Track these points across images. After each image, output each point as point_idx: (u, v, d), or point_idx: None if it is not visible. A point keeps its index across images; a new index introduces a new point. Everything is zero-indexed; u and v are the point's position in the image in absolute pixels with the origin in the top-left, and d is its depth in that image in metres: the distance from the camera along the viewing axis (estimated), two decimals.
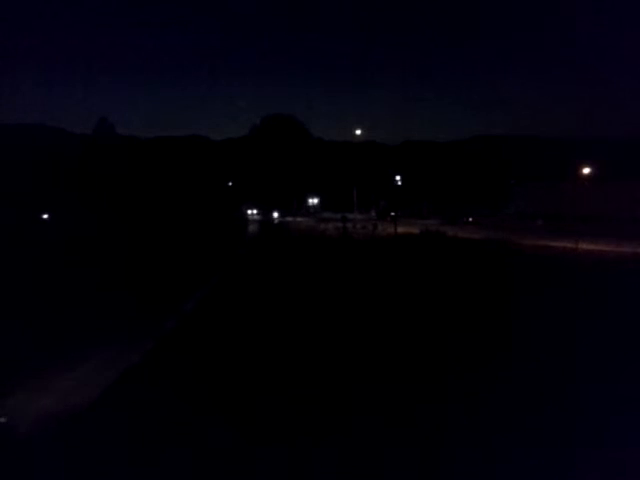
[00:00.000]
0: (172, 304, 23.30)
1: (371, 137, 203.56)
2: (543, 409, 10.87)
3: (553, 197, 75.29)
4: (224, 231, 67.24)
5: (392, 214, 78.07)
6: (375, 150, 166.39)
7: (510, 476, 8.69)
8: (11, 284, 26.31)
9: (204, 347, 16.30)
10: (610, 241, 41.86)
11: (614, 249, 38.36)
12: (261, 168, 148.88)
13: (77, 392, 13.13)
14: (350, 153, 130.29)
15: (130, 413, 11.10)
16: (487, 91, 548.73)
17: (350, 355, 14.77)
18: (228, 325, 18.90)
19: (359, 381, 12.68)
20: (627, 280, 25.21)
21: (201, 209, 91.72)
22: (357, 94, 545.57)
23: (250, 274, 31.92)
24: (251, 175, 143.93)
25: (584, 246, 38.09)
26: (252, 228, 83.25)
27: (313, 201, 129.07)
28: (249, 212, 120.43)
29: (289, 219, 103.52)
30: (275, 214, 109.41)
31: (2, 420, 10.56)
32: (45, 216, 76.08)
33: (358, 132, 74.91)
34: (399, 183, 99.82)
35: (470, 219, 78.35)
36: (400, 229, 55.18)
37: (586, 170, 51.18)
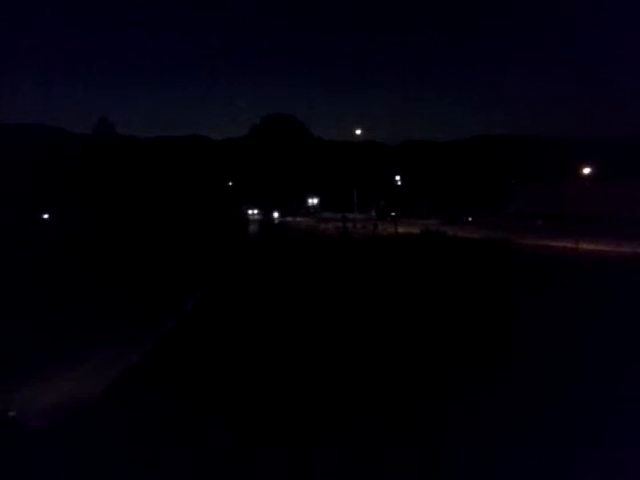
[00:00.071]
0: (172, 304, 23.30)
1: (371, 137, 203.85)
2: (543, 409, 10.86)
3: (553, 197, 75.32)
4: (224, 231, 67.25)
5: (392, 214, 78.05)
6: (375, 150, 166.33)
7: (510, 476, 8.68)
8: (11, 284, 26.31)
9: (204, 347, 16.29)
10: (610, 241, 41.84)
11: (614, 249, 38.34)
12: (261, 168, 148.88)
13: (78, 392, 13.13)
14: (350, 153, 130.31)
15: (130, 413, 11.09)
16: (487, 91, 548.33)
17: (349, 355, 14.76)
18: (228, 325, 18.89)
19: (358, 381, 12.67)
20: (627, 280, 25.19)
21: (201, 209, 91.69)
22: (357, 94, 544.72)
23: (250, 274, 31.91)
24: (251, 175, 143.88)
25: (584, 246, 38.08)
26: (252, 228, 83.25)
27: (313, 201, 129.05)
28: (250, 212, 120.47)
29: (289, 219, 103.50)
30: (275, 214, 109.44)
31: (12, 414, 10.91)
32: (45, 216, 76.09)
33: (358, 132, 75.07)
34: (399, 183, 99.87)
35: (470, 219, 78.34)
36: (400, 229, 55.18)
37: (586, 170, 51.19)
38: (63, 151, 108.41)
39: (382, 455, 9.25)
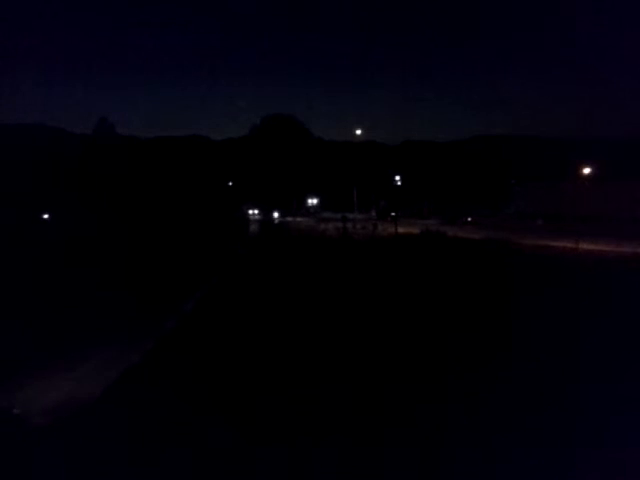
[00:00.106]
0: (172, 304, 23.30)
1: (371, 137, 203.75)
2: (543, 409, 10.86)
3: (553, 197, 75.37)
4: (224, 231, 67.26)
5: (392, 214, 78.07)
6: (375, 150, 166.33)
7: (510, 476, 8.69)
8: (11, 284, 26.32)
9: (204, 347, 16.30)
10: (610, 241, 41.85)
11: (614, 249, 38.35)
12: (261, 168, 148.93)
13: (78, 391, 13.14)
14: (350, 153, 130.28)
15: (130, 412, 11.11)
16: (487, 91, 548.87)
17: (349, 355, 14.77)
18: (228, 325, 18.90)
19: (358, 381, 12.68)
20: (628, 280, 25.21)
21: (202, 209, 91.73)
22: (357, 94, 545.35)
23: (250, 274, 31.92)
24: (251, 175, 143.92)
25: (584, 246, 38.10)
26: (253, 228, 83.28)
27: (313, 201, 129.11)
28: (250, 212, 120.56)
29: (289, 219, 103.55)
30: (275, 214, 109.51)
31: (16, 411, 11.27)
32: (45, 216, 76.13)
33: (358, 132, 75.03)
34: (399, 183, 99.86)
35: (469, 219, 78.37)
36: (400, 229, 55.19)
37: (586, 170, 51.22)
38: (63, 151, 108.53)
39: (382, 455, 9.26)
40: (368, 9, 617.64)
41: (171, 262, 37.28)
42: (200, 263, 37.41)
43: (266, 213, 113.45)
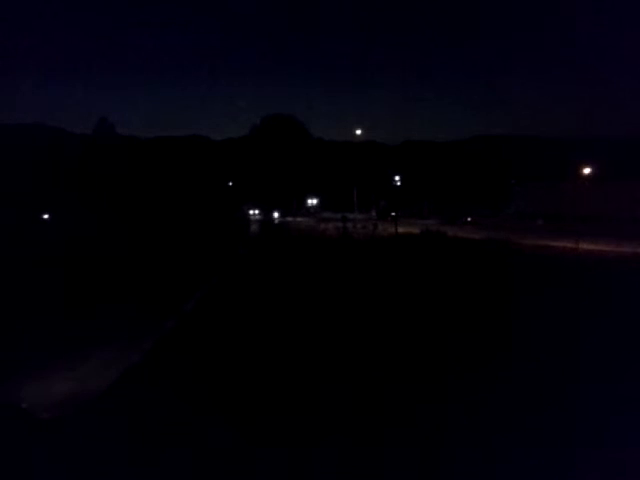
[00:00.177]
0: (172, 304, 23.30)
1: (371, 137, 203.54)
2: (543, 409, 10.87)
3: (553, 197, 75.37)
4: (225, 231, 67.27)
5: (392, 214, 78.07)
6: (375, 150, 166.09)
7: (510, 476, 8.69)
8: (11, 284, 26.33)
9: (204, 347, 16.32)
10: (610, 241, 41.87)
11: (614, 249, 38.37)
12: (261, 168, 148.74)
13: (79, 390, 13.15)
14: (350, 153, 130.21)
15: (131, 411, 11.13)
16: (487, 91, 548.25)
17: (349, 355, 14.78)
18: (228, 325, 18.91)
19: (358, 381, 12.69)
20: (628, 280, 25.22)
21: (202, 209, 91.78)
22: (357, 94, 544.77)
23: (250, 274, 31.93)
24: (251, 175, 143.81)
25: (584, 246, 38.10)
26: (253, 228, 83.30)
27: (313, 201, 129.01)
28: (250, 212, 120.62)
29: (289, 219, 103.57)
30: (275, 214, 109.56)
31: (24, 405, 11.65)
32: (45, 216, 76.18)
33: (358, 132, 74.94)
34: (399, 183, 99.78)
35: (469, 219, 78.39)
36: (400, 229, 55.19)
37: (586, 170, 51.22)
38: (63, 151, 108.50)
39: (381, 455, 9.26)
40: (368, 9, 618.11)
41: (171, 262, 37.28)
42: (200, 263, 37.41)
43: (266, 213, 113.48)
